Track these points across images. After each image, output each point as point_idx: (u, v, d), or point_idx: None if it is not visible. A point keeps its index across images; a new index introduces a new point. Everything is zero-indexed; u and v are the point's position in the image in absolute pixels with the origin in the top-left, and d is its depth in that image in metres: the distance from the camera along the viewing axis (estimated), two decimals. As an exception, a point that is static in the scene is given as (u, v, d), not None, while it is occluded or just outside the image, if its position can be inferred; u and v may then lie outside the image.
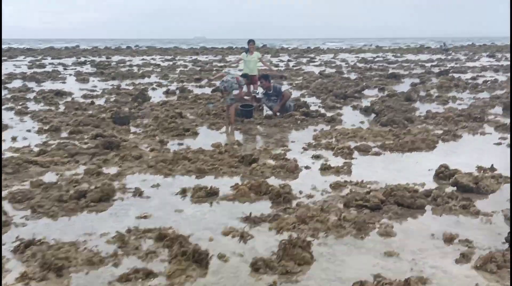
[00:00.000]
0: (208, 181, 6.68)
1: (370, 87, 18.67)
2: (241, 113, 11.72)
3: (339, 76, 23.70)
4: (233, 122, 11.25)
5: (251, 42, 14.51)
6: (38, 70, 28.35)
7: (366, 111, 12.88)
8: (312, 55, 50.61)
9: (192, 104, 14.04)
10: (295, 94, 16.29)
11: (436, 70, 27.74)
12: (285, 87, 12.91)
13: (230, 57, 46.10)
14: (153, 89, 18.93)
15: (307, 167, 7.31)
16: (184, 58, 44.94)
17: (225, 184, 6.54)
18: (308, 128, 10.79)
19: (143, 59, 41.51)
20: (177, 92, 17.63)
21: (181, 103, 14.03)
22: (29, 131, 10.28)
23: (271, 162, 7.60)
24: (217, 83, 15.16)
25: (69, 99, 15.69)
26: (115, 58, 43.94)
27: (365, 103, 14.60)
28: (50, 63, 35.57)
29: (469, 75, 23.71)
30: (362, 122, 11.33)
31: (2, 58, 44.48)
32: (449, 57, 44.83)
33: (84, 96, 16.26)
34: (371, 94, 16.78)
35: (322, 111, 12.71)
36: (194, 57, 45.29)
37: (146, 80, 23.05)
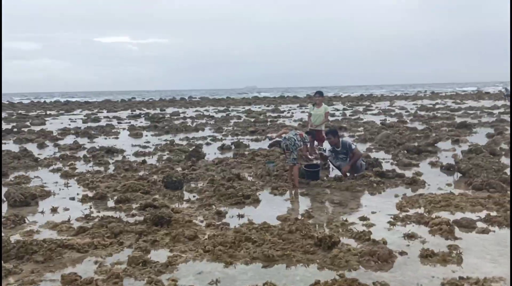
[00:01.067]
0: (279, 273, 5.30)
1: (442, 138, 16.96)
2: (306, 175, 10.38)
3: (404, 126, 22.07)
4: (297, 185, 9.92)
5: (318, 93, 13.17)
6: (93, 125, 28.18)
7: (448, 169, 11.27)
8: (367, 103, 49.12)
9: (250, 163, 12.82)
10: (359, 147, 14.83)
11: (506, 117, 25.69)
12: (346, 139, 11.63)
13: (283, 107, 45.29)
14: (207, 144, 17.95)
15: (402, 253, 5.81)
16: (237, 108, 44.40)
17: (301, 279, 5.13)
18: (386, 192, 9.30)
19: (196, 111, 41.21)
20: (233, 147, 16.54)
21: (237, 161, 12.84)
22: (72, 199, 9.27)
23: (354, 244, 6.15)
24: (277, 138, 13.90)
25: (120, 157, 14.84)
26: (169, 110, 43.88)
27: (443, 158, 13.00)
28: (105, 117, 35.65)
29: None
30: (449, 185, 9.73)
31: (60, 111, 45.39)
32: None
33: (136, 154, 15.39)
34: (446, 147, 15.10)
35: (397, 170, 11.19)
36: (247, 108, 44.68)
37: (200, 133, 22.20)
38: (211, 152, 15.41)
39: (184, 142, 18.41)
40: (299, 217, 7.57)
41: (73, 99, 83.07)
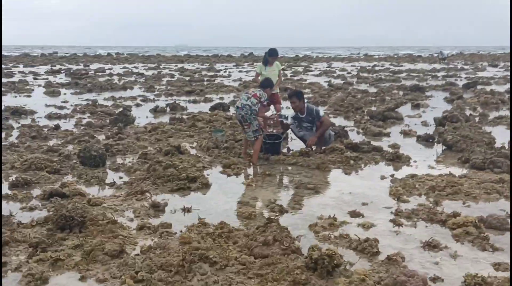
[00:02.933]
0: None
1: (401, 103, 15.36)
2: (264, 148, 8.30)
3: (353, 89, 20.39)
4: (255, 162, 7.84)
5: (272, 52, 10.12)
6: (3, 80, 24.53)
7: (427, 140, 9.59)
8: (304, 64, 47.45)
9: (191, 130, 10.56)
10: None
11: (452, 80, 24.76)
12: (312, 104, 9.43)
13: (218, 65, 42.70)
14: (137, 105, 15.43)
15: (436, 280, 3.90)
16: (169, 66, 41.34)
17: None
18: (367, 172, 7.42)
19: (124, 68, 37.78)
20: (168, 109, 14.15)
21: (175, 128, 10.52)
22: None
23: (360, 261, 4.19)
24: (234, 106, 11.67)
25: (28, 121, 12.10)
26: (94, 66, 40.10)
27: (413, 126, 11.36)
28: (20, 72, 31.70)
29: (500, 88, 20.60)
30: (439, 161, 8.00)
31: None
32: (449, 65, 42.04)
33: (49, 117, 12.70)
34: (410, 113, 13.50)
35: (369, 140, 9.38)
36: (179, 65, 41.71)
37: (129, 93, 19.50)
38: (142, 116, 12.97)
39: (110, 103, 15.77)
40: (269, 213, 5.52)
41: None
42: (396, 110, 13.90)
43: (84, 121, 11.89)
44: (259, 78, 9.84)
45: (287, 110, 11.74)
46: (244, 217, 5.34)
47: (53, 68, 36.01)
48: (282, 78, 11.29)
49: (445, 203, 5.81)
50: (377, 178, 7.03)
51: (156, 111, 13.86)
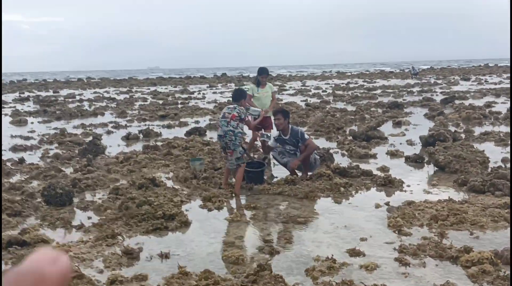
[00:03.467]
0: None
1: (383, 121, 14.97)
2: (246, 176, 7.70)
3: (331, 107, 20.01)
4: (238, 192, 7.22)
5: (263, 72, 9.54)
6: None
7: (416, 161, 9.13)
8: (278, 83, 47.20)
9: (167, 159, 9.89)
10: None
11: (429, 95, 24.66)
12: (297, 127, 8.61)
13: (191, 87, 42.10)
14: (109, 132, 14.67)
15: None
16: (142, 89, 40.54)
17: None
18: (359, 199, 6.88)
19: (95, 93, 36.84)
20: (141, 136, 13.45)
21: (150, 157, 9.84)
22: None
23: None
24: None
25: (-10, 154, 11.27)
26: (64, 92, 39.04)
27: (398, 146, 10.91)
28: (-15, 101, 30.50)
29: (477, 102, 20.47)
30: (434, 185, 7.50)
31: None
32: (422, 81, 42.30)
33: (14, 149, 11.86)
34: (392, 132, 13.08)
35: (355, 163, 8.87)
36: (152, 89, 40.96)
37: (100, 119, 18.71)
38: (113, 144, 12.25)
39: (79, 131, 14.99)
40: (258, 255, 4.89)
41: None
42: (378, 128, 13.54)
43: (51, 153, 11.12)
44: (252, 100, 9.28)
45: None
46: (231, 262, 4.71)
47: (22, 95, 34.88)
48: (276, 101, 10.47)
49: (451, 234, 5.28)
50: (371, 206, 6.48)
51: (128, 138, 13.15)
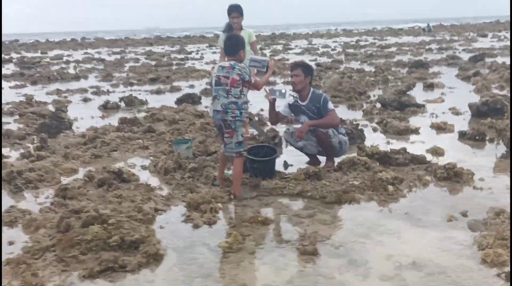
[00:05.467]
0: None
1: (413, 84, 12.53)
2: (250, 168, 5.46)
3: (347, 67, 17.54)
4: (239, 194, 4.97)
5: (234, 11, 7.02)
6: None
7: (476, 139, 6.87)
8: (282, 42, 44.41)
9: (147, 137, 7.63)
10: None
11: (451, 53, 22.14)
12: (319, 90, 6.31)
13: (190, 47, 39.39)
14: (85, 100, 12.33)
15: None
16: (136, 50, 37.91)
17: None
18: (418, 206, 4.62)
19: (85, 53, 34.27)
20: (122, 104, 11.16)
21: (122, 136, 7.55)
22: None
23: None
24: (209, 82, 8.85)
25: None
26: (53, 53, 36.45)
27: (444, 116, 8.63)
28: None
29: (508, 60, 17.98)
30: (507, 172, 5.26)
31: None
32: (436, 37, 39.57)
33: (-37, 122, 9.59)
34: (426, 97, 10.74)
35: (394, 141, 6.64)
36: (148, 49, 38.32)
37: (81, 83, 16.36)
38: (86, 115, 9.99)
39: (51, 98, 12.68)
40: None
41: None
42: (407, 93, 11.22)
43: (5, 128, 8.88)
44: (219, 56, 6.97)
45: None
46: None
47: (5, 57, 32.27)
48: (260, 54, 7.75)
49: None
50: (439, 220, 4.25)
51: (106, 108, 10.83)
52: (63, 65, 24.01)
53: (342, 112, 9.49)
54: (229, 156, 5.12)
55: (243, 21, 7.00)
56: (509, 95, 10.11)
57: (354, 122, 7.64)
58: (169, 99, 11.75)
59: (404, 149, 5.96)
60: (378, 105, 9.66)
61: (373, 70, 16.13)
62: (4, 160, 6.54)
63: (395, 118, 8.28)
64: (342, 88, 11.63)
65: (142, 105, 11.19)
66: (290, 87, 6.05)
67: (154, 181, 5.51)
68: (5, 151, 7.22)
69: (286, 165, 6.04)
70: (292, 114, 6.04)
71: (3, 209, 4.75)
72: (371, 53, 24.53)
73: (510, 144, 6.13)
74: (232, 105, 4.78)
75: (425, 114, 8.99)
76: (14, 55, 35.39)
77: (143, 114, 9.66)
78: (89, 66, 22.95)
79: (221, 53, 7.08)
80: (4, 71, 21.39)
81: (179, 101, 11.08)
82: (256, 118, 8.47)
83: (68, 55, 32.34)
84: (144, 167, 6.13)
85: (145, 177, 5.69)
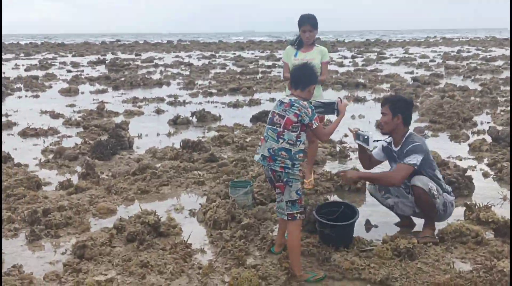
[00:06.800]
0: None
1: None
2: (320, 234, 4.17)
3: (447, 84, 15.59)
4: (299, 273, 3.71)
5: (307, 21, 5.55)
6: (34, 73, 21.47)
7: None
8: (377, 49, 42.27)
9: (205, 169, 6.54)
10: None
11: None
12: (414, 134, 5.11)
13: (280, 53, 38.45)
14: (158, 111, 11.53)
15: None
16: (226, 54, 37.55)
17: None
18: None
19: (176, 57, 34.35)
20: (194, 119, 10.24)
21: (177, 166, 6.49)
22: None
23: None
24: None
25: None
26: (146, 55, 36.98)
27: None
28: (61, 63, 28.86)
29: None
30: None
31: (21, 55, 38.54)
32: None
33: (23, 133, 9.07)
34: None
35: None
36: (238, 53, 37.84)
37: (162, 90, 15.80)
38: (152, 131, 9.16)
39: (125, 107, 12.07)
40: None
41: (52, 41, 74.84)
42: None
43: (64, 142, 8.25)
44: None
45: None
46: None
47: (100, 58, 33.04)
48: (328, 75, 6.41)
49: None
50: None
51: (176, 123, 9.97)
52: (151, 69, 23.87)
53: (444, 144, 7.93)
54: (280, 217, 3.89)
55: (316, 34, 5.67)
56: None
57: (459, 165, 6.08)
58: (246, 115, 10.69)
59: (533, 218, 4.41)
60: (489, 138, 7.95)
61: (479, 88, 14.12)
62: (42, 190, 5.75)
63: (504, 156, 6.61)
64: (443, 112, 9.96)
65: (215, 122, 10.21)
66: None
67: (197, 239, 4.38)
68: (50, 174, 6.48)
69: (368, 225, 4.69)
70: (387, 160, 4.66)
71: (5, 268, 3.83)
72: (475, 66, 22.15)
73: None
74: (282, 152, 3.55)
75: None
76: (110, 56, 36.30)
77: (212, 134, 8.67)
78: (175, 71, 22.54)
79: (284, 67, 5.79)
80: (92, 74, 21.54)
81: (254, 119, 9.98)
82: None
83: (159, 58, 32.49)
84: (192, 213, 5.04)
85: (188, 230, 4.57)
